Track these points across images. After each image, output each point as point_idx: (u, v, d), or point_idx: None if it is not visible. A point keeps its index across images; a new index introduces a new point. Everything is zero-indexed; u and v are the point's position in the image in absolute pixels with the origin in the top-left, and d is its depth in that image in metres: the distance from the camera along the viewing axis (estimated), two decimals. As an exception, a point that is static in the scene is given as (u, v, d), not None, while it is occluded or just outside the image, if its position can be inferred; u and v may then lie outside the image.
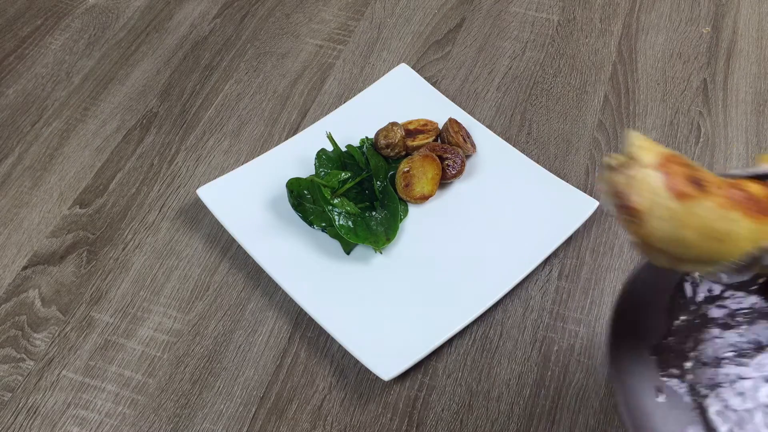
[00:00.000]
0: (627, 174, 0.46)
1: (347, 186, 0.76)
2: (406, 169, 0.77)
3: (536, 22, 0.97)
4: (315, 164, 0.78)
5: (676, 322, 0.53)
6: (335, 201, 0.74)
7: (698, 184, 0.46)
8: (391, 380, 0.66)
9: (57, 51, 0.95)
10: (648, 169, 0.45)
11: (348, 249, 0.74)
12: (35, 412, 0.66)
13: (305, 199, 0.76)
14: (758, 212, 0.46)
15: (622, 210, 0.46)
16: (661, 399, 0.50)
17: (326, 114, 0.85)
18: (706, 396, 0.50)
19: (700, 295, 0.54)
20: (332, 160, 0.79)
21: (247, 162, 0.81)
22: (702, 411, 0.50)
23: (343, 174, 0.76)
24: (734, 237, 0.46)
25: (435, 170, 0.77)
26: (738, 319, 0.53)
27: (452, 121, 0.81)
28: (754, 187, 0.48)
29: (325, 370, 0.68)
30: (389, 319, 0.69)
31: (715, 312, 0.54)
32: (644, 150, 0.47)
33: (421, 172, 0.76)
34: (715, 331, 0.53)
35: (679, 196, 0.45)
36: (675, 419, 0.50)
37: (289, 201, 0.76)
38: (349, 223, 0.74)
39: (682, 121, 0.86)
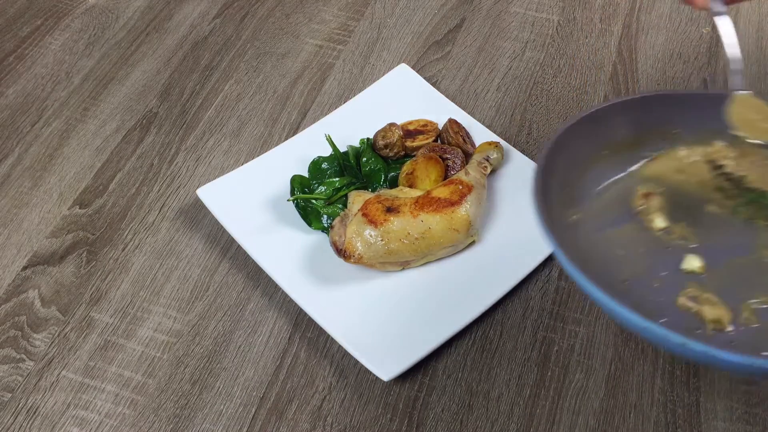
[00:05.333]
0: (345, 223, 0.70)
1: (341, 194, 0.76)
2: (409, 171, 0.77)
3: (536, 22, 0.97)
4: (308, 174, 0.78)
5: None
6: (328, 209, 0.75)
7: (391, 209, 0.71)
8: (391, 380, 0.66)
9: (57, 51, 0.95)
10: (355, 216, 0.71)
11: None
12: (35, 413, 0.66)
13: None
14: (438, 207, 0.71)
15: (338, 254, 0.70)
16: None
17: (326, 114, 0.85)
18: None
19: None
20: (330, 162, 0.79)
21: (247, 162, 0.81)
22: None
23: (337, 182, 0.77)
24: (430, 233, 0.70)
25: (438, 172, 0.76)
26: None
27: (452, 122, 0.81)
28: (438, 191, 0.72)
29: (325, 371, 0.68)
30: (389, 320, 0.69)
31: None
32: (354, 202, 0.72)
33: (424, 174, 0.76)
34: None
35: (377, 224, 0.70)
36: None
37: (291, 195, 0.76)
38: None
39: (682, 121, 0.86)
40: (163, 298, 0.73)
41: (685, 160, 0.69)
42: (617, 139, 0.68)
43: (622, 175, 0.68)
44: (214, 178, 0.80)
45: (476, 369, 0.68)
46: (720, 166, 0.69)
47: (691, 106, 0.68)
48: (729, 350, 0.51)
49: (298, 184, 0.77)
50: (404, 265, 0.72)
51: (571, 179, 0.66)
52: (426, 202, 0.71)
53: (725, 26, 0.66)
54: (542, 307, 0.71)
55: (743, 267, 0.64)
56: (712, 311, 0.61)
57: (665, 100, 0.69)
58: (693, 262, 0.64)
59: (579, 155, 0.66)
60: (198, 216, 0.79)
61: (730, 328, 0.60)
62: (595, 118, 0.67)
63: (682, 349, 0.52)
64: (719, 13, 0.67)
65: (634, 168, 0.69)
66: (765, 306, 0.61)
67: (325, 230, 0.75)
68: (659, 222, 0.66)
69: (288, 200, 0.76)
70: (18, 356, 0.69)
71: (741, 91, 0.67)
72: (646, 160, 0.69)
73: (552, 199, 0.62)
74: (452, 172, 0.77)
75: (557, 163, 0.64)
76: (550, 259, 0.74)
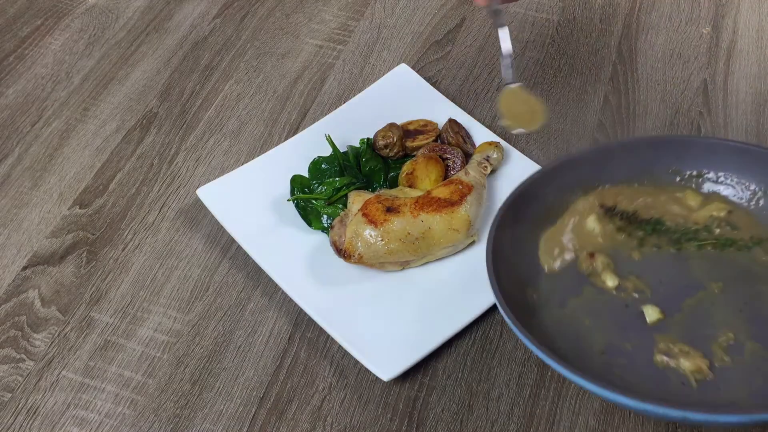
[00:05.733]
0: (345, 223, 0.70)
1: (341, 194, 0.76)
2: (409, 171, 0.77)
3: (536, 23, 0.97)
4: (308, 174, 0.78)
5: None
6: (328, 209, 0.75)
7: (391, 209, 0.70)
8: (391, 380, 0.66)
9: (57, 51, 0.95)
10: (355, 216, 0.70)
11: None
12: (35, 413, 0.66)
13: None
14: (438, 207, 0.71)
15: (338, 253, 0.70)
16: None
17: (326, 114, 0.85)
18: None
19: None
20: (330, 162, 0.79)
21: (247, 162, 0.81)
22: None
23: (337, 182, 0.77)
24: (430, 233, 0.70)
25: (438, 172, 0.77)
26: None
27: (452, 122, 0.81)
28: (438, 191, 0.72)
29: (325, 370, 0.68)
30: (389, 320, 0.69)
31: None
32: (354, 202, 0.72)
33: (424, 173, 0.76)
34: None
35: (377, 224, 0.69)
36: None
37: (291, 195, 0.76)
38: None
39: (682, 121, 0.86)
40: (163, 298, 0.73)
41: (572, 217, 0.71)
42: (548, 206, 0.71)
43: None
44: (214, 178, 0.80)
45: (476, 369, 0.68)
46: (612, 208, 0.72)
47: (601, 160, 0.72)
48: (728, 412, 0.53)
49: (298, 184, 0.77)
50: (404, 265, 0.72)
51: (520, 260, 0.68)
52: (426, 202, 0.71)
53: (500, 22, 0.69)
54: (542, 307, 0.71)
55: (698, 305, 0.66)
56: (688, 363, 0.62)
57: (583, 158, 0.72)
58: (653, 314, 0.65)
59: (521, 235, 0.69)
60: (198, 216, 0.79)
61: (711, 375, 0.62)
62: (524, 193, 0.69)
63: (683, 420, 0.54)
64: (497, 11, 0.70)
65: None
66: (732, 342, 0.63)
67: (325, 230, 0.75)
68: (610, 281, 0.68)
69: (288, 200, 0.76)
70: (18, 356, 0.69)
71: (511, 84, 0.70)
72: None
73: (509, 288, 0.63)
74: (452, 172, 0.77)
75: (504, 251, 0.66)
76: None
